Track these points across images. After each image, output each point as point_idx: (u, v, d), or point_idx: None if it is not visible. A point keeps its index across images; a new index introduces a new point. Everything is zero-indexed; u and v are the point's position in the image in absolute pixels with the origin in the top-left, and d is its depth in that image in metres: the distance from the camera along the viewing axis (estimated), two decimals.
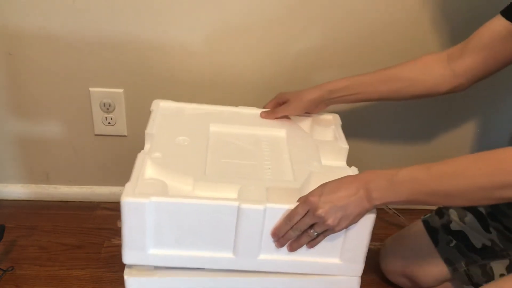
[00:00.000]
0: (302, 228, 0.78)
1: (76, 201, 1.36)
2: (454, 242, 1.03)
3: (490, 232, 1.01)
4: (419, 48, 1.18)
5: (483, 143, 1.36)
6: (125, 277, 0.81)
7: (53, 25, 1.13)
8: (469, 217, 1.04)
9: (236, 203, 0.77)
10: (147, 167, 0.84)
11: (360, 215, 0.78)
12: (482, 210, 1.03)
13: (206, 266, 0.83)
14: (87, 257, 1.18)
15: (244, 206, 0.77)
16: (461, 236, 1.03)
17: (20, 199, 1.35)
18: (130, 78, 1.21)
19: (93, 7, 1.11)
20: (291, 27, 1.17)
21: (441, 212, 1.07)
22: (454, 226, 1.04)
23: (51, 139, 1.27)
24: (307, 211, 0.77)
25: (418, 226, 1.09)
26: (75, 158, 1.31)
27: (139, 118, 1.24)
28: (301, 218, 0.78)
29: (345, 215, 0.77)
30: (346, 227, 0.79)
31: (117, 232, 1.26)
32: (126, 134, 1.28)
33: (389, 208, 1.30)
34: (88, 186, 1.36)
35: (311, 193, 0.79)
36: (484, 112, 1.32)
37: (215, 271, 0.84)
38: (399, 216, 1.29)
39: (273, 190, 0.83)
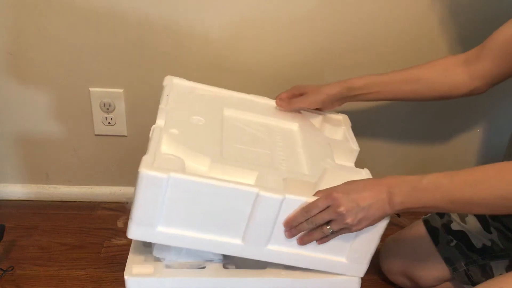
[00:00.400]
0: (317, 222, 0.78)
1: (76, 201, 1.36)
2: (455, 242, 1.03)
3: (490, 232, 1.01)
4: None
5: (485, 143, 1.36)
6: (125, 277, 0.81)
7: (53, 25, 1.13)
8: (470, 217, 1.04)
9: (255, 190, 0.76)
10: (163, 142, 0.82)
11: (380, 218, 0.79)
12: None
13: (212, 250, 0.82)
14: (87, 257, 1.18)
15: (263, 193, 0.76)
16: (461, 236, 1.03)
17: (20, 199, 1.35)
18: (130, 78, 1.20)
19: (93, 8, 1.11)
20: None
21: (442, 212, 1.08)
22: (454, 226, 1.04)
23: (51, 139, 1.27)
24: (328, 207, 0.77)
25: (418, 226, 1.09)
26: (75, 158, 1.31)
27: (139, 118, 1.25)
28: (318, 212, 0.78)
29: (365, 216, 0.77)
30: (363, 228, 0.79)
31: (117, 232, 1.27)
32: (126, 134, 1.28)
33: None
34: (88, 186, 1.36)
35: (334, 189, 0.78)
36: (486, 113, 1.32)
37: (215, 272, 0.84)
38: (399, 217, 1.29)
39: (290, 182, 0.82)
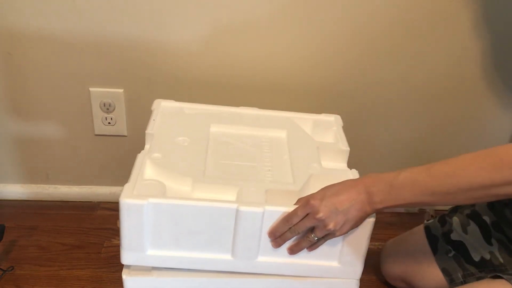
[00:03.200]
0: (300, 230, 0.78)
1: (76, 201, 1.36)
2: (453, 252, 1.02)
3: (491, 244, 1.00)
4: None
5: (484, 145, 1.35)
6: (123, 276, 0.81)
7: (53, 25, 1.12)
8: (472, 227, 1.02)
9: (234, 206, 0.77)
10: (146, 168, 0.84)
11: (361, 219, 0.78)
12: (487, 219, 1.01)
13: (204, 268, 0.83)
14: (87, 257, 1.19)
15: (243, 208, 0.77)
16: (460, 247, 1.02)
17: (20, 199, 1.35)
18: (130, 78, 1.20)
19: (93, 7, 1.11)
20: (292, 27, 1.16)
21: (444, 219, 1.06)
22: (454, 236, 1.03)
23: (51, 139, 1.27)
24: (307, 214, 0.77)
25: (419, 232, 1.08)
26: (75, 158, 1.31)
27: (139, 118, 1.24)
28: (300, 220, 0.77)
29: (346, 219, 0.76)
30: (348, 231, 0.78)
31: (117, 232, 1.25)
32: (126, 134, 1.28)
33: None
34: (88, 186, 1.36)
35: (312, 196, 0.78)
36: (486, 114, 1.32)
37: (213, 271, 0.84)
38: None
39: (272, 192, 0.83)
